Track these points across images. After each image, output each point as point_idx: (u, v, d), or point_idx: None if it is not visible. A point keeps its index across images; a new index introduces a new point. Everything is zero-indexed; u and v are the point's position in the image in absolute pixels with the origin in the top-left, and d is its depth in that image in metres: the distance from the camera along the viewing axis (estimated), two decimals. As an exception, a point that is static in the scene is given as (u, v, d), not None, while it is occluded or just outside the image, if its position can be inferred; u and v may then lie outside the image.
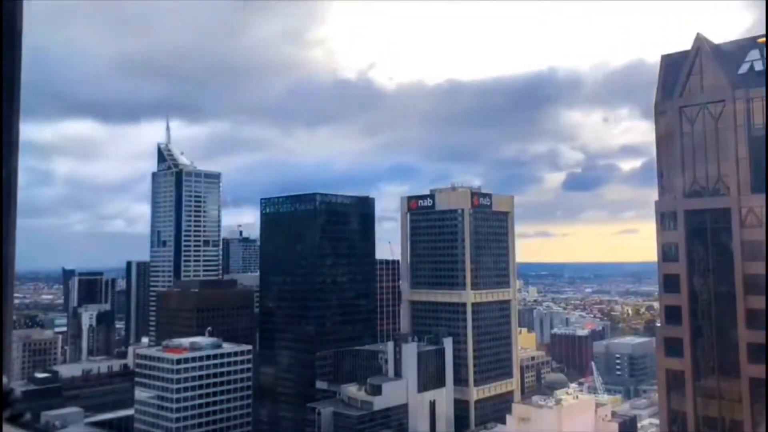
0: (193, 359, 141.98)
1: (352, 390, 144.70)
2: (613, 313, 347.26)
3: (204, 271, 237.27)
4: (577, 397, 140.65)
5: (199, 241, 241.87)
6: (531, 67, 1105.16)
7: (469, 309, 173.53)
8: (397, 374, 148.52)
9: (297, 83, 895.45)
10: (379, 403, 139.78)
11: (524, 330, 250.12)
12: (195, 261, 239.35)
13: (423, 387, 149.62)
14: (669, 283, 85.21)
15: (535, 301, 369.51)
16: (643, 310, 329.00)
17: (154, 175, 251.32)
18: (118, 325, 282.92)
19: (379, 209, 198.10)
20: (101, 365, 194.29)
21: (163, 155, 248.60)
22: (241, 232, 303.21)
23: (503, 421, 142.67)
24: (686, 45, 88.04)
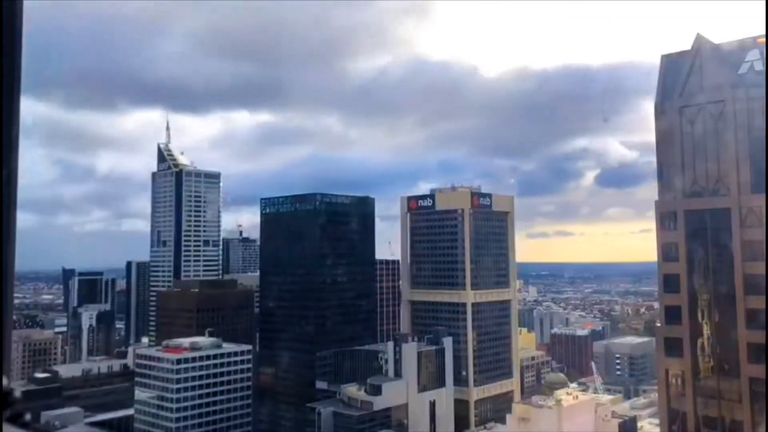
0: (193, 359, 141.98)
1: (352, 390, 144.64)
2: (613, 313, 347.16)
3: (204, 271, 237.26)
4: (577, 397, 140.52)
5: (199, 241, 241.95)
6: (612, 57, 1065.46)
7: (469, 309, 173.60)
8: (397, 374, 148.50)
9: (389, 66, 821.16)
10: (379, 403, 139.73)
11: (524, 330, 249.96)
12: (195, 261, 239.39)
13: (423, 387, 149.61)
14: (669, 283, 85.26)
15: (535, 301, 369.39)
16: (643, 310, 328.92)
17: (154, 175, 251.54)
18: (118, 325, 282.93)
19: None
20: (101, 365, 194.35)
21: (163, 155, 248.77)
22: (241, 232, 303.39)
23: (503, 421, 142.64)
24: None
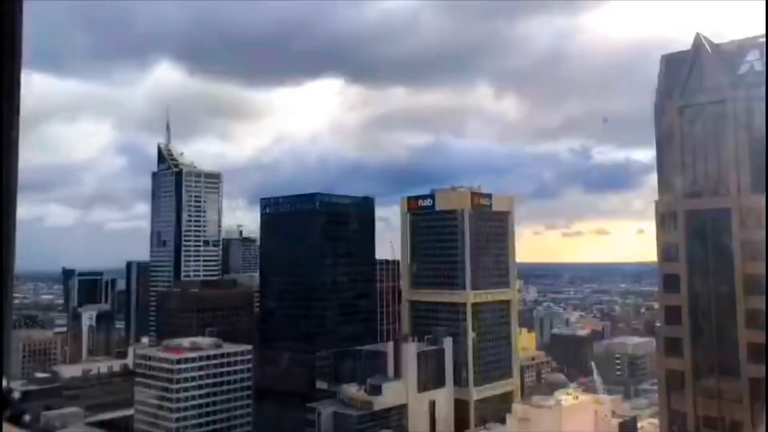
0: (193, 359, 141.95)
1: (352, 390, 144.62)
2: (613, 313, 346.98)
3: (204, 271, 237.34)
4: (577, 397, 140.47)
5: (199, 241, 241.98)
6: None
7: (469, 309, 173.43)
8: (397, 374, 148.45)
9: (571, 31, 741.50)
10: (379, 403, 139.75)
11: (524, 330, 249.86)
12: (195, 261, 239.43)
13: (423, 387, 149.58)
14: (669, 283, 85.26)
15: (535, 301, 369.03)
16: (643, 310, 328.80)
17: (154, 175, 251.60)
18: (118, 325, 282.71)
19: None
20: (101, 365, 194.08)
21: (163, 155, 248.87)
22: (241, 232, 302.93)
23: (503, 421, 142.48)
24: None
